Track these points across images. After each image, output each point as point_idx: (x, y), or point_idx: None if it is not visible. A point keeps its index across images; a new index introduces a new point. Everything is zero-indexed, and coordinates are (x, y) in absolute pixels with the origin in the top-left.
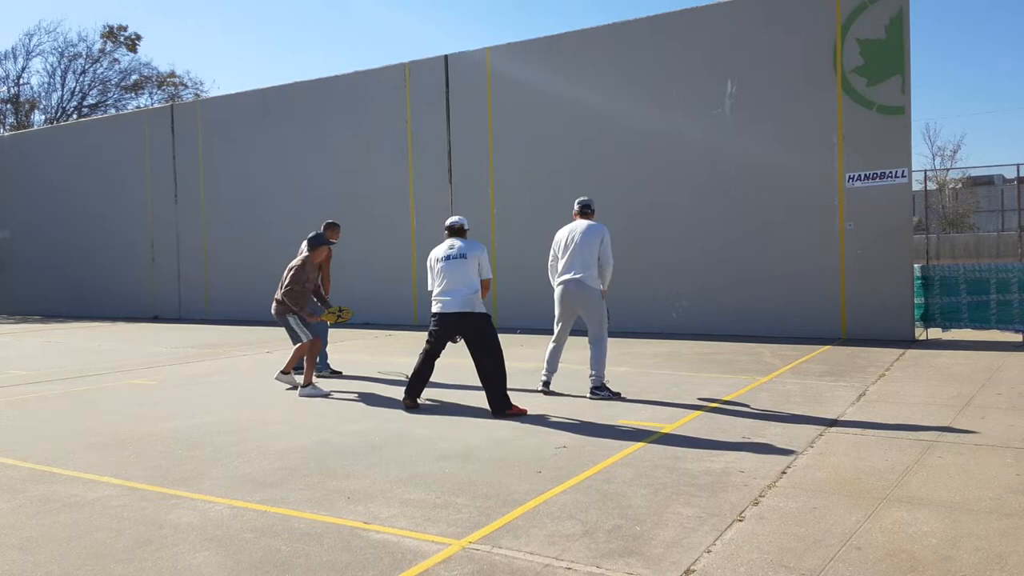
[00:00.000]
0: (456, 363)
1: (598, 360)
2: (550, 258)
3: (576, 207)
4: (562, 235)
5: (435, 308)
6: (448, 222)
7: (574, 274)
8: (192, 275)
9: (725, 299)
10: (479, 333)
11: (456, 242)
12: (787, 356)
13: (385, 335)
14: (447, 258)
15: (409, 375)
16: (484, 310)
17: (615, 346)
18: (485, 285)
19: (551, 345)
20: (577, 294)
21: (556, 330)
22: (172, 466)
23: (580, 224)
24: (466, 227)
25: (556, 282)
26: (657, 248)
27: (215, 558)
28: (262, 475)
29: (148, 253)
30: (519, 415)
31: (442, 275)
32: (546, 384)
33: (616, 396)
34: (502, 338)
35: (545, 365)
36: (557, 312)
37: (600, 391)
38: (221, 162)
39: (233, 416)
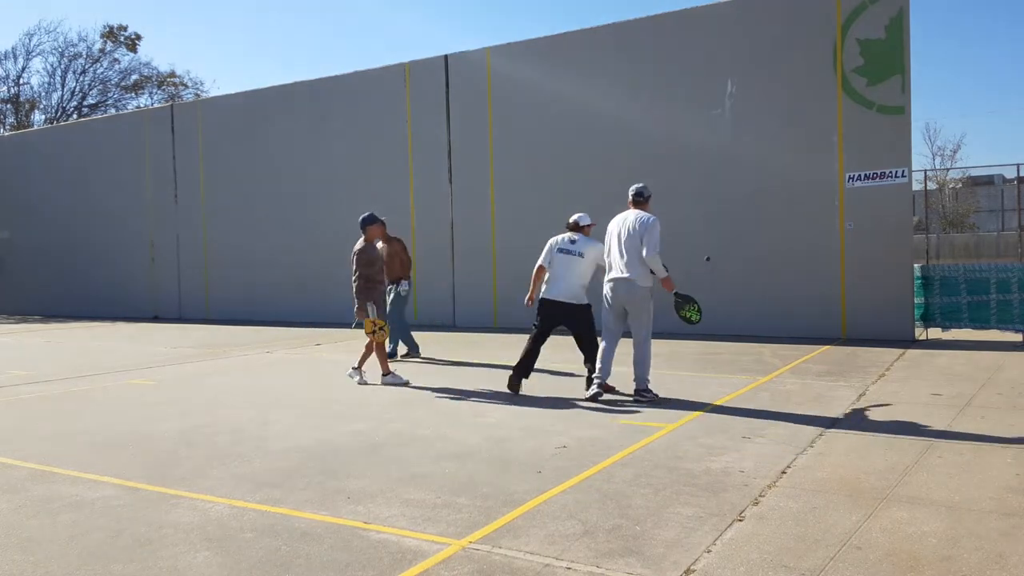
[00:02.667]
0: (457, 363)
1: (642, 362)
2: (605, 252)
3: (629, 196)
4: (613, 228)
5: (544, 294)
6: (571, 219)
7: (622, 273)
8: (192, 275)
9: (725, 299)
10: (577, 321)
11: (577, 238)
12: (787, 356)
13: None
14: (566, 252)
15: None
16: (587, 302)
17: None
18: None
19: (602, 345)
20: (625, 294)
21: (605, 331)
22: (172, 466)
23: (630, 216)
24: (584, 224)
25: (605, 279)
26: None
27: (215, 558)
28: (262, 475)
29: (148, 253)
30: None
31: (559, 266)
32: (600, 386)
33: (657, 399)
34: (512, 337)
35: (599, 365)
36: (605, 311)
37: (646, 393)
38: (221, 162)
39: (233, 416)
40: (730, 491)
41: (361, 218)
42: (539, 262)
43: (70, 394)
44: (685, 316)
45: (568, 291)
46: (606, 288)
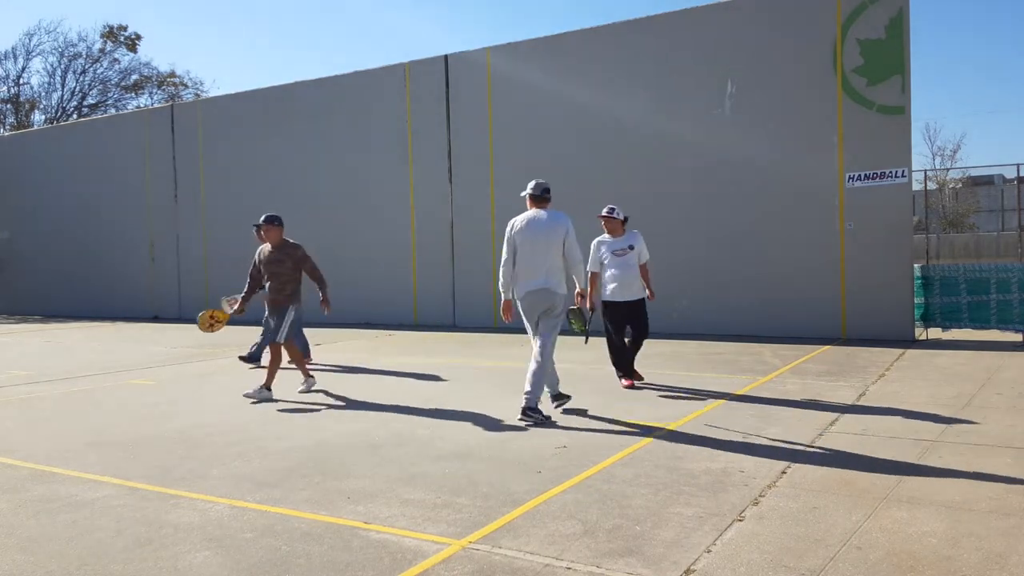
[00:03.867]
0: (457, 363)
1: (538, 379)
2: (503, 255)
3: (529, 191)
4: (522, 230)
5: (609, 297)
6: (606, 213)
7: (543, 283)
8: (192, 275)
9: (725, 299)
10: (639, 316)
11: (621, 234)
12: (787, 356)
13: (386, 335)
14: (619, 252)
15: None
16: (644, 295)
17: None
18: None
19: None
20: (544, 303)
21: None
22: (172, 466)
23: (539, 217)
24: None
25: (519, 291)
26: (657, 248)
27: (215, 558)
28: (262, 475)
29: (148, 253)
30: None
31: (615, 267)
32: (555, 397)
33: (546, 421)
34: (509, 337)
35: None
36: (528, 325)
37: (532, 414)
38: (221, 162)
39: (233, 416)
40: (730, 491)
41: (273, 216)
42: (590, 268)
43: (70, 394)
44: (571, 324)
45: (629, 290)
46: (521, 300)
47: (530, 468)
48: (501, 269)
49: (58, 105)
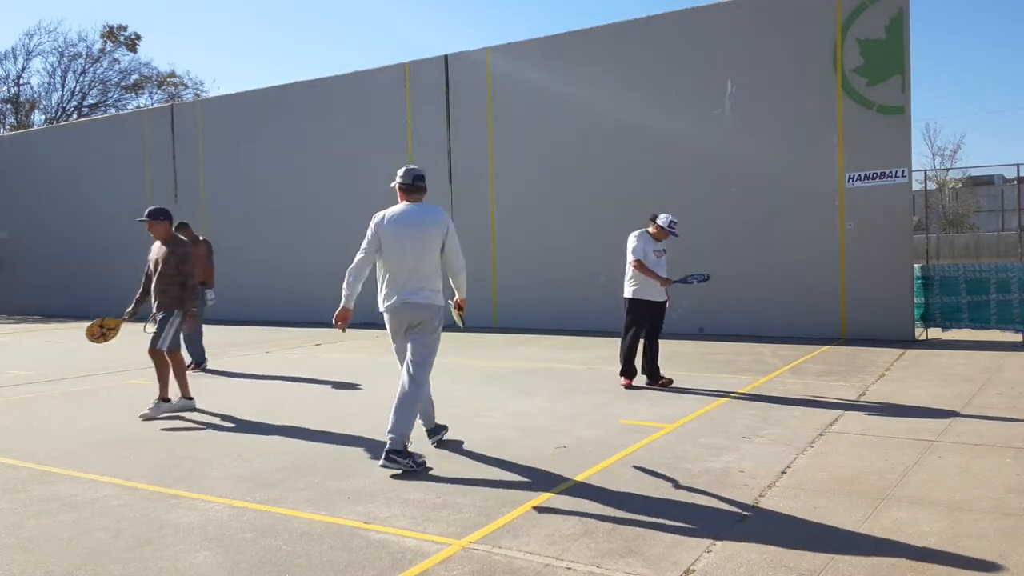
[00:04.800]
0: (457, 363)
1: (409, 410)
2: (360, 253)
3: (399, 180)
4: (389, 228)
5: (645, 296)
6: (672, 227)
7: (411, 295)
8: None
9: (725, 299)
10: (660, 318)
11: (661, 238)
12: (787, 356)
13: (386, 335)
14: (658, 253)
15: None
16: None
17: (616, 347)
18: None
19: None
20: (419, 316)
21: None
22: (172, 466)
23: (411, 212)
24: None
25: (382, 301)
26: None
27: (215, 558)
28: (262, 475)
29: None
30: (666, 385)
31: (654, 267)
32: (432, 432)
33: (420, 468)
34: (510, 338)
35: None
36: (394, 344)
37: (399, 457)
38: (221, 162)
39: (232, 416)
40: (730, 491)
41: (158, 210)
42: (640, 256)
43: (70, 394)
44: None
45: (661, 292)
46: (385, 312)
47: (530, 468)
48: (349, 268)
49: (58, 105)
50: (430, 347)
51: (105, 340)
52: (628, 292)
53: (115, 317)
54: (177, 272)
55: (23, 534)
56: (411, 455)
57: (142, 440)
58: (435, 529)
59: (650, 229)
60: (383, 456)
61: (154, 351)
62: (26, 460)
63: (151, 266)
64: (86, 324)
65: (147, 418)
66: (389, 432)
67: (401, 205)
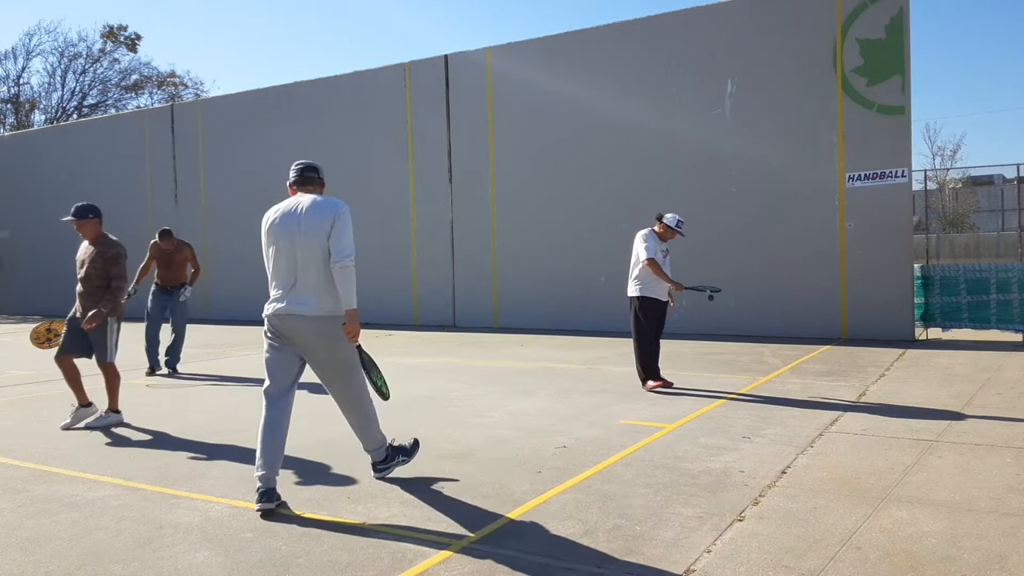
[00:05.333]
0: (457, 363)
1: (367, 423)
2: (269, 262)
3: (292, 176)
4: (275, 225)
5: (653, 294)
6: (678, 227)
7: (300, 304)
8: None
9: (725, 299)
10: (664, 315)
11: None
12: (787, 356)
13: (385, 335)
14: (664, 253)
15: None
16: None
17: (616, 346)
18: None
19: (263, 419)
20: (309, 334)
21: (269, 391)
22: (172, 466)
23: (299, 205)
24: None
25: (266, 310)
26: None
27: (215, 558)
28: None
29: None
30: (667, 386)
31: (665, 269)
32: (264, 496)
33: (406, 456)
34: (510, 338)
35: (259, 458)
36: (269, 359)
37: (385, 465)
38: (221, 162)
39: (233, 416)
40: (730, 491)
41: (85, 207)
42: (652, 255)
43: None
44: (372, 382)
45: (665, 289)
46: (270, 322)
47: (530, 468)
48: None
49: (58, 105)
50: (350, 377)
51: (51, 347)
52: (634, 291)
53: (63, 320)
54: (104, 274)
55: (23, 534)
56: (398, 450)
57: (142, 440)
58: (435, 529)
59: (656, 228)
60: (375, 466)
61: (104, 364)
62: (26, 460)
63: (77, 266)
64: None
65: (89, 427)
66: (371, 454)
67: (292, 198)
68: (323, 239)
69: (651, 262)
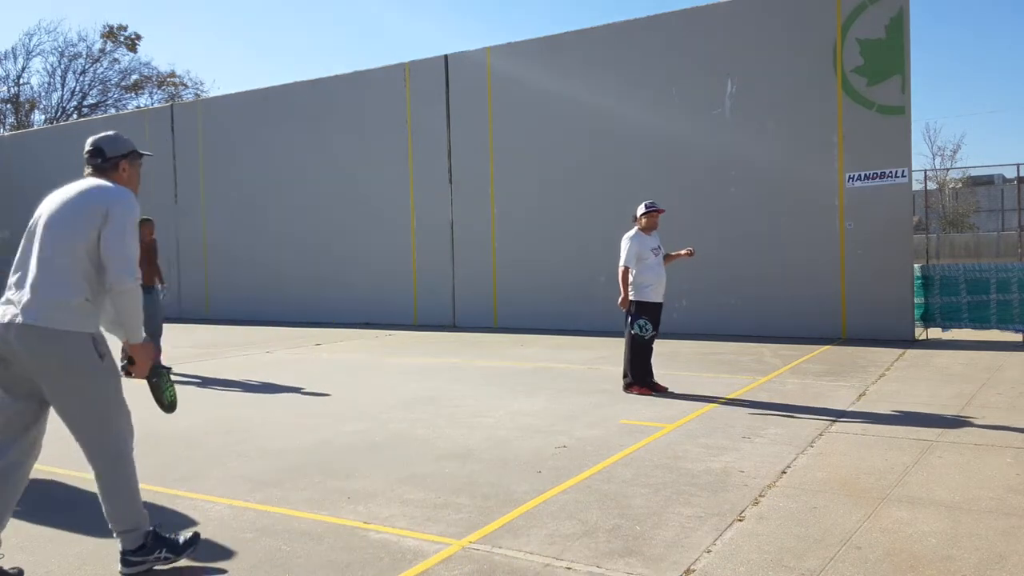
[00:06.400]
0: (457, 363)
1: (118, 495)
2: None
3: (88, 153)
4: (42, 210)
5: (652, 299)
6: (652, 208)
7: (20, 312)
8: (192, 275)
9: (725, 299)
10: (657, 321)
11: (654, 234)
12: (787, 356)
13: (386, 335)
14: (657, 251)
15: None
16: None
17: (616, 346)
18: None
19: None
20: (22, 351)
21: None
22: (172, 466)
23: (70, 188)
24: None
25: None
26: None
27: (215, 558)
28: (262, 475)
29: None
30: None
31: (658, 266)
32: (135, 553)
33: (173, 553)
34: (510, 338)
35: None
36: None
37: (139, 557)
38: (221, 162)
39: (233, 416)
40: (730, 491)
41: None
42: (627, 263)
43: None
44: (160, 393)
45: (663, 291)
46: None
47: (530, 468)
48: None
49: (58, 105)
50: (101, 400)
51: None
52: (630, 296)
53: None
54: None
55: (23, 533)
56: (162, 542)
57: (141, 440)
58: (435, 529)
59: (641, 224)
60: (122, 557)
61: None
62: None
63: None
64: None
65: None
66: (120, 537)
67: (80, 182)
68: (82, 234)
69: (625, 271)
